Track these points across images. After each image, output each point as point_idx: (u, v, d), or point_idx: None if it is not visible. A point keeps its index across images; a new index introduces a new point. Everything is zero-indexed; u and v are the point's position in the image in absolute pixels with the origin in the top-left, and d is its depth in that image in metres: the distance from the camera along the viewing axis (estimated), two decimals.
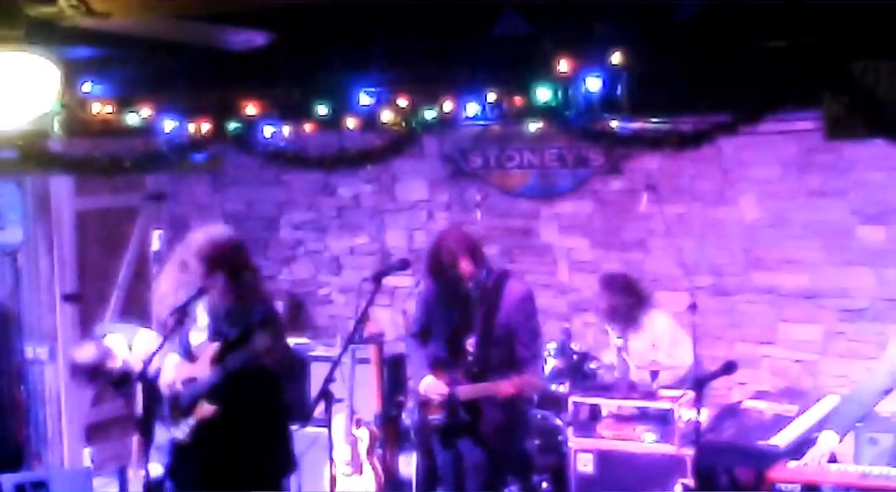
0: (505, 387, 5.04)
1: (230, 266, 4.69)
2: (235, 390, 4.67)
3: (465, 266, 5.10)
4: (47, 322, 7.34)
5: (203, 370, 4.71)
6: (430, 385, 5.18)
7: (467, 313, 5.20)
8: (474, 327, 5.18)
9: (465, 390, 5.13)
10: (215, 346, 4.72)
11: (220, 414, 4.68)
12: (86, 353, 5.40)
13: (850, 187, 6.38)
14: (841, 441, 4.99)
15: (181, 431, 4.74)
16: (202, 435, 4.72)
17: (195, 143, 5.74)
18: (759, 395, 6.33)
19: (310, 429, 5.41)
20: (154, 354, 4.63)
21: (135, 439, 5.62)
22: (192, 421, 4.71)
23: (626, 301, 6.21)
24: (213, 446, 4.73)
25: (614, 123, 5.17)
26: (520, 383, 5.08)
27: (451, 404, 5.16)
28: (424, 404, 5.27)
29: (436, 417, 5.23)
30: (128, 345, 5.39)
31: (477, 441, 5.20)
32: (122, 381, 5.48)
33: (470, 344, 5.18)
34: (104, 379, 5.47)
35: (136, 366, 5.24)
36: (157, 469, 5.31)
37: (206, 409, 4.67)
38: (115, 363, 5.36)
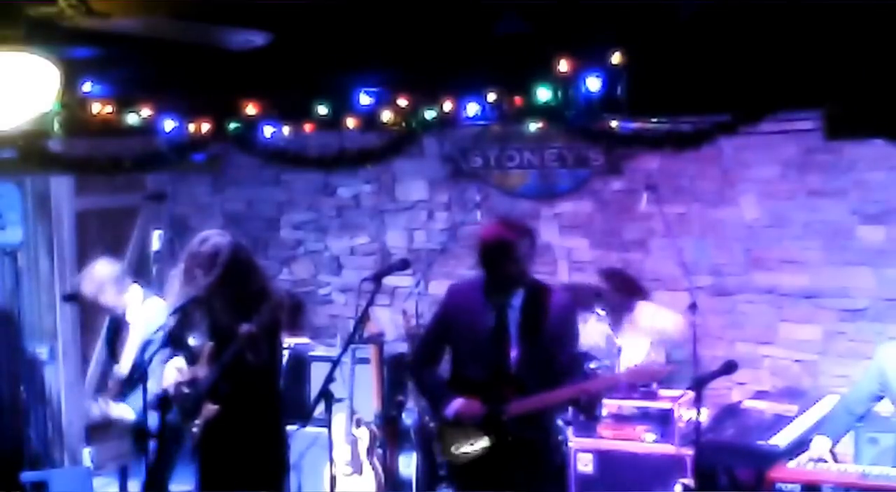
0: (591, 385, 4.74)
1: (233, 276, 4.70)
2: (231, 386, 4.67)
3: (518, 265, 4.58)
4: (47, 322, 7.35)
5: (203, 370, 4.74)
6: (464, 406, 4.59)
7: (506, 326, 4.62)
8: (516, 341, 4.60)
9: (523, 404, 4.55)
10: (211, 345, 4.73)
11: (222, 413, 4.69)
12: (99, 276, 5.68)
13: (850, 187, 6.38)
14: (833, 446, 5.01)
15: (190, 431, 4.77)
16: (209, 434, 4.73)
17: (195, 143, 5.75)
18: (759, 395, 6.34)
19: (310, 429, 5.41)
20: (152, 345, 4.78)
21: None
22: (198, 422, 4.72)
23: (624, 296, 6.25)
24: (215, 442, 4.75)
25: (614, 123, 5.17)
26: (602, 383, 4.89)
27: (495, 426, 4.57)
28: (454, 433, 4.66)
29: (467, 448, 4.61)
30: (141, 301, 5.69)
31: (528, 466, 4.61)
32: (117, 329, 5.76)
33: (514, 359, 4.58)
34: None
35: (135, 324, 5.57)
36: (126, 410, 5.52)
37: (209, 409, 4.69)
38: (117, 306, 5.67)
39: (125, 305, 5.68)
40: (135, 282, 5.83)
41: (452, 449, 4.66)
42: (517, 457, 4.59)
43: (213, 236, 4.81)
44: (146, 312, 5.57)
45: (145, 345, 5.04)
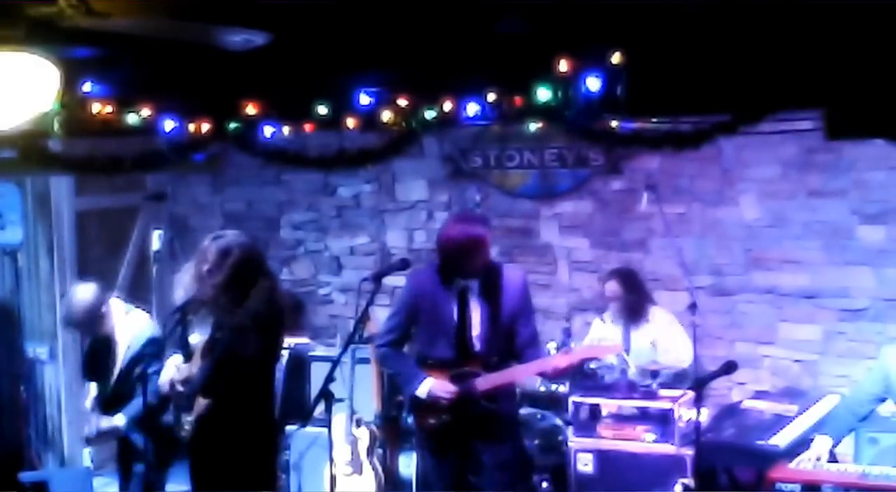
0: (557, 360, 4.96)
1: (241, 278, 4.69)
2: (223, 381, 4.66)
3: (477, 261, 4.94)
4: (47, 322, 7.35)
5: (196, 367, 4.74)
6: (436, 386, 4.95)
7: (467, 307, 4.99)
8: (478, 320, 4.98)
9: (490, 379, 4.92)
10: (203, 340, 4.74)
11: (212, 408, 4.69)
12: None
13: (850, 187, 6.38)
14: (835, 446, 5.01)
15: (183, 429, 4.79)
16: (200, 430, 4.75)
17: (195, 143, 5.74)
18: (759, 395, 6.34)
19: (310, 429, 5.42)
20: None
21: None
22: (190, 418, 4.75)
23: (632, 296, 6.25)
24: (206, 438, 4.76)
25: (614, 123, 5.17)
26: (572, 355, 4.99)
27: (465, 401, 4.92)
28: (425, 409, 5.02)
29: (437, 419, 5.00)
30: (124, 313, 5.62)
31: (495, 437, 4.99)
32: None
33: (476, 337, 4.98)
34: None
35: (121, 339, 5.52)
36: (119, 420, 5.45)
37: (200, 404, 4.71)
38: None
39: (112, 324, 5.54)
40: (116, 296, 5.77)
41: (424, 422, 5.06)
42: (490, 430, 4.97)
43: (227, 236, 4.80)
44: (131, 326, 5.51)
45: (133, 359, 5.11)
